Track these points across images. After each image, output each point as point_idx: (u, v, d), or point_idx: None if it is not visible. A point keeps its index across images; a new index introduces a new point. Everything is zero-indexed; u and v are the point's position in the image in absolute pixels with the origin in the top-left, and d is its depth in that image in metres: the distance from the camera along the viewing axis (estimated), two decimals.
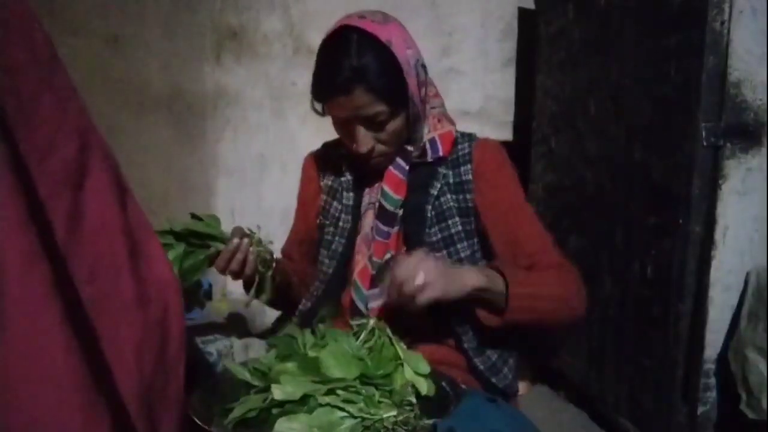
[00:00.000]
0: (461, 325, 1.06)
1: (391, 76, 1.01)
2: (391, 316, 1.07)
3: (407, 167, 1.09)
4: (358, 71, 0.98)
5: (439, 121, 1.12)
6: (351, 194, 1.15)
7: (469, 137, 1.14)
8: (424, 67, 1.08)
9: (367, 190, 1.13)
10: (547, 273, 1.05)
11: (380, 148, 1.06)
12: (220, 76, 2.57)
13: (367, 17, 1.02)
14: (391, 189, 1.09)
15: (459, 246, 1.08)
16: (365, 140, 1.04)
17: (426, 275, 0.91)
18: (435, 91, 1.14)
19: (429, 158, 1.09)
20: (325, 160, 1.23)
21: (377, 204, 1.10)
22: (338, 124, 1.07)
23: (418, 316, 1.03)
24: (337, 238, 1.14)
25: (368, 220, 1.10)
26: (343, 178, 1.17)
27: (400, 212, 1.09)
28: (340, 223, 1.15)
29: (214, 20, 2.53)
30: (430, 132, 1.10)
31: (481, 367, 1.06)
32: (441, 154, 1.09)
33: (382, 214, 1.09)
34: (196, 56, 2.54)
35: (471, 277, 0.96)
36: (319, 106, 1.08)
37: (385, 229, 1.09)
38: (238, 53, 2.56)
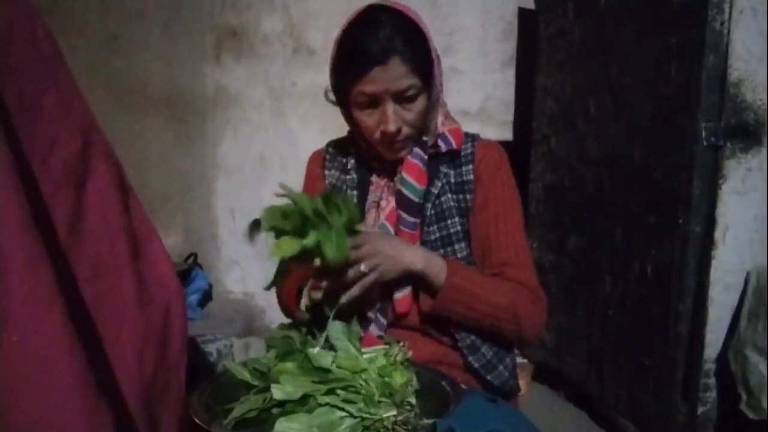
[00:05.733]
0: (455, 324, 1.06)
1: (422, 50, 1.03)
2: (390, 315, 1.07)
3: (426, 157, 1.09)
4: (394, 41, 0.99)
5: (446, 117, 1.13)
6: (355, 192, 1.15)
7: (473, 137, 1.15)
8: (439, 59, 1.10)
9: (371, 188, 1.13)
10: (504, 283, 1.05)
11: (406, 130, 1.06)
12: (220, 76, 2.57)
13: (389, 3, 1.05)
14: (412, 178, 1.08)
15: (457, 246, 1.08)
16: (395, 118, 1.03)
17: (369, 262, 0.95)
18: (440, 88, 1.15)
19: (443, 149, 1.10)
20: (329, 158, 1.22)
21: (397, 196, 1.10)
22: (363, 106, 1.05)
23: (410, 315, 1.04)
24: None
25: (370, 219, 1.10)
26: (347, 177, 1.16)
27: (421, 202, 1.09)
28: None
29: (214, 20, 2.53)
30: (439, 127, 1.11)
31: (476, 365, 1.06)
32: (454, 146, 1.10)
33: (406, 205, 1.09)
34: (196, 56, 2.54)
35: (410, 259, 1.00)
36: (332, 96, 1.09)
37: (412, 220, 1.08)
38: (238, 53, 2.56)
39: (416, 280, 1.03)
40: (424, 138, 1.10)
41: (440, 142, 1.10)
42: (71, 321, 0.52)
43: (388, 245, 1.00)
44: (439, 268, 1.01)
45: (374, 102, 1.03)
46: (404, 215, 1.08)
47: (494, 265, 1.07)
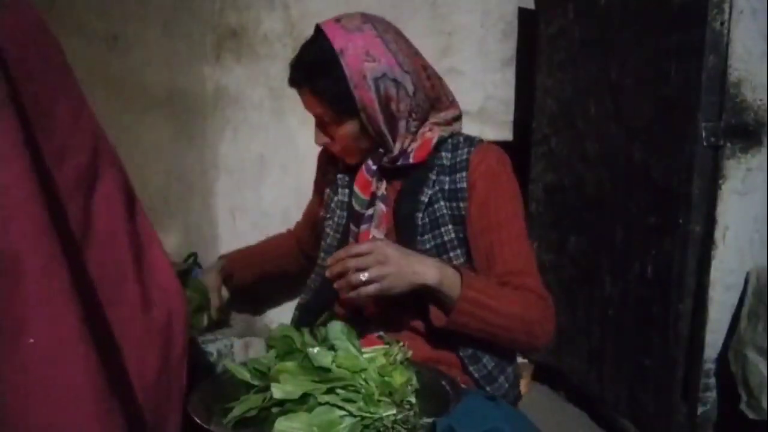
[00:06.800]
0: (456, 333, 1.06)
1: (336, 84, 1.02)
2: (389, 315, 1.07)
3: (375, 168, 1.10)
4: (304, 70, 1.05)
5: (430, 129, 1.11)
6: (346, 190, 1.15)
7: (471, 142, 1.13)
8: (396, 81, 1.02)
9: None
10: (514, 292, 1.02)
11: (335, 147, 1.09)
12: (220, 76, 2.57)
13: (341, 21, 1.04)
14: (358, 188, 1.10)
15: (452, 254, 1.08)
16: (317, 134, 1.11)
17: (372, 272, 0.91)
18: (447, 103, 1.13)
19: (398, 164, 1.10)
20: (331, 157, 1.23)
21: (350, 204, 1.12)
22: None
23: (410, 316, 1.04)
24: (332, 232, 1.15)
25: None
26: (340, 175, 1.18)
27: (368, 212, 1.09)
28: (336, 218, 1.15)
29: (214, 20, 2.53)
30: (411, 143, 1.10)
31: (476, 375, 1.05)
32: (411, 161, 1.09)
33: (352, 215, 1.10)
34: (196, 56, 2.54)
35: (424, 274, 0.95)
36: None
37: (354, 230, 1.09)
38: (238, 53, 2.55)
39: (426, 294, 0.99)
40: (380, 150, 1.10)
41: (401, 158, 1.10)
42: (85, 324, 0.52)
43: (399, 255, 0.94)
44: (452, 281, 0.97)
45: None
46: (351, 225, 1.10)
47: (499, 274, 1.05)
